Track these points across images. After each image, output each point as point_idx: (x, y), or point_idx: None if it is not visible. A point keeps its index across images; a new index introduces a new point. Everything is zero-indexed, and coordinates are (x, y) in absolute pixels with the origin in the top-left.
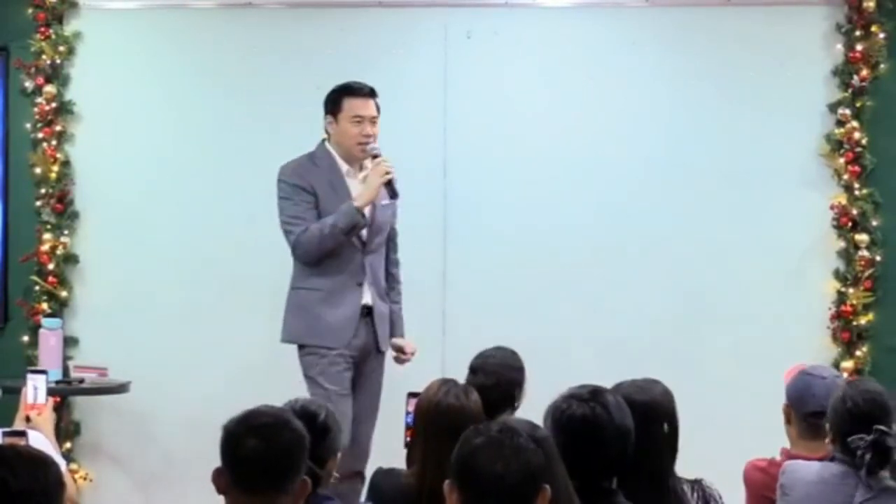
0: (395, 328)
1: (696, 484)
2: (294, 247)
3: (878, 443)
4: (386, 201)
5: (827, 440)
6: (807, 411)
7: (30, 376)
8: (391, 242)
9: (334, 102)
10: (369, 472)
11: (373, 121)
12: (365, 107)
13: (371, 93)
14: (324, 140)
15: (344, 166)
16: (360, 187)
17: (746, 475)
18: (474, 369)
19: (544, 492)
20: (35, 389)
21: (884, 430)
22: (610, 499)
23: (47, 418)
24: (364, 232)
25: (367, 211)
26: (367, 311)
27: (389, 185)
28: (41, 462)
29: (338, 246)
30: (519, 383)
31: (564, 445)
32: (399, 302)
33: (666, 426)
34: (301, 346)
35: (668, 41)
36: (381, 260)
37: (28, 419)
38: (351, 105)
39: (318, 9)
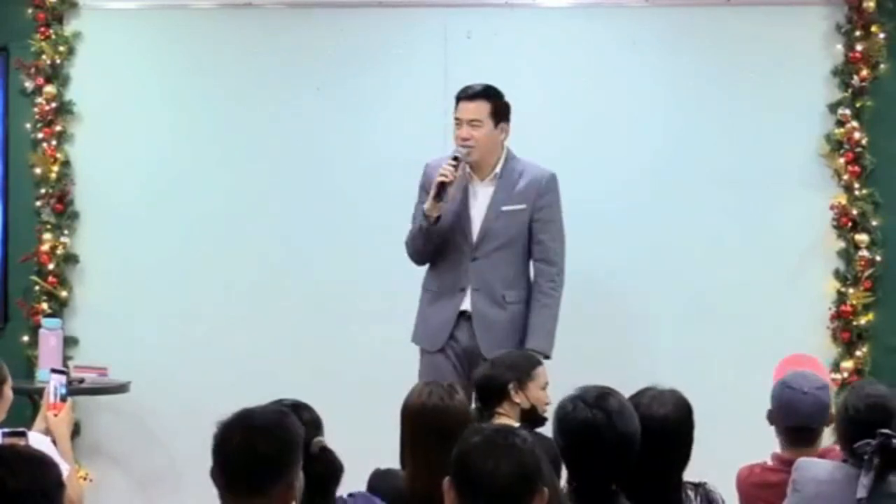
0: (526, 338)
1: (700, 487)
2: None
3: (884, 446)
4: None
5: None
6: (790, 426)
7: (52, 375)
8: (542, 251)
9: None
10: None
11: (471, 123)
12: (461, 109)
13: (471, 95)
14: None
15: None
16: (481, 192)
17: (738, 480)
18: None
19: (542, 492)
20: (55, 389)
21: (888, 434)
22: (611, 500)
23: (63, 419)
24: (474, 237)
25: (449, 213)
26: (466, 317)
27: (442, 186)
28: (41, 462)
29: (429, 245)
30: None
31: (568, 448)
32: (536, 311)
33: (677, 442)
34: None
35: (668, 41)
36: (502, 266)
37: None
38: (456, 108)
39: (318, 9)
